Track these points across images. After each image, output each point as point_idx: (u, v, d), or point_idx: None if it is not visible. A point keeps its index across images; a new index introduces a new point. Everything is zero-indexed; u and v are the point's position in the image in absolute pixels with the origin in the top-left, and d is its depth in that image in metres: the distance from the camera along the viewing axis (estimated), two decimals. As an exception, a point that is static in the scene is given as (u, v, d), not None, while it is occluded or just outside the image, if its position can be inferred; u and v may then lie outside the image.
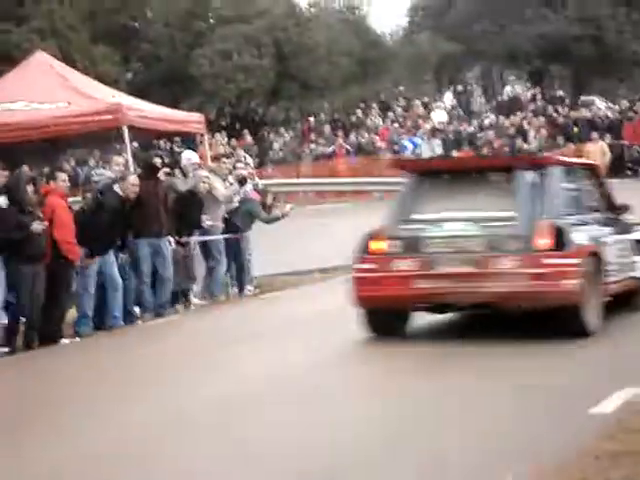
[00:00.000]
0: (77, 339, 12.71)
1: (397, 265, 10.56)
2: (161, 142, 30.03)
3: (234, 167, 16.99)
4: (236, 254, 15.94)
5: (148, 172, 14.28)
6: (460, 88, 40.53)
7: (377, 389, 8.82)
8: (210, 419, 7.82)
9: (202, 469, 6.44)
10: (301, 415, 7.76)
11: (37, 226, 11.93)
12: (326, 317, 12.51)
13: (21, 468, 6.76)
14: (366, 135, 35.36)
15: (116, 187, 13.51)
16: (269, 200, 17.26)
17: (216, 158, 16.71)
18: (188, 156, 15.72)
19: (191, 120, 18.06)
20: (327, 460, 6.44)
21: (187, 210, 14.72)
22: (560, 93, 38.69)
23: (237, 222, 15.86)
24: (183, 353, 11.25)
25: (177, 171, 15.28)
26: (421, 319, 11.33)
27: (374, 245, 10.79)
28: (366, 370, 9.85)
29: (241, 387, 8.89)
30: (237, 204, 15.95)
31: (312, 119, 38.66)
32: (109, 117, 15.03)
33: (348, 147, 34.99)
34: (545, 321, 10.29)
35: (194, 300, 15.11)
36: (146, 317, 13.98)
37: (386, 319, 10.88)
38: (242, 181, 16.22)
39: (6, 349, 11.86)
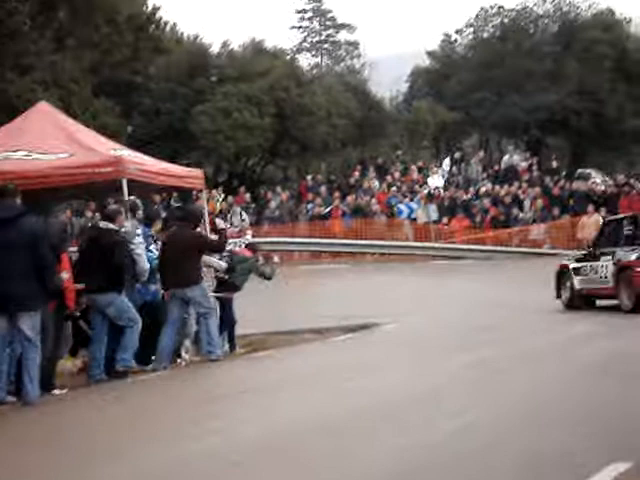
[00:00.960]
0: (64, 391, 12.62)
1: None
2: (156, 196, 30.02)
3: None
4: (229, 312, 15.90)
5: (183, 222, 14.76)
6: (458, 155, 40.72)
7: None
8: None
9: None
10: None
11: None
12: (316, 377, 12.48)
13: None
14: (364, 197, 35.54)
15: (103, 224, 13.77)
16: (260, 256, 17.21)
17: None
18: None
19: (191, 175, 18.03)
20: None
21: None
22: (557, 164, 38.91)
23: (235, 280, 15.82)
24: (168, 409, 11.17)
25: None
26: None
27: None
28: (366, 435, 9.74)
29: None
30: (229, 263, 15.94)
31: (309, 179, 38.82)
32: (109, 169, 14.99)
33: (344, 209, 35.13)
34: None
35: (185, 356, 15.04)
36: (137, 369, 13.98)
37: None
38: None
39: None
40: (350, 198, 35.71)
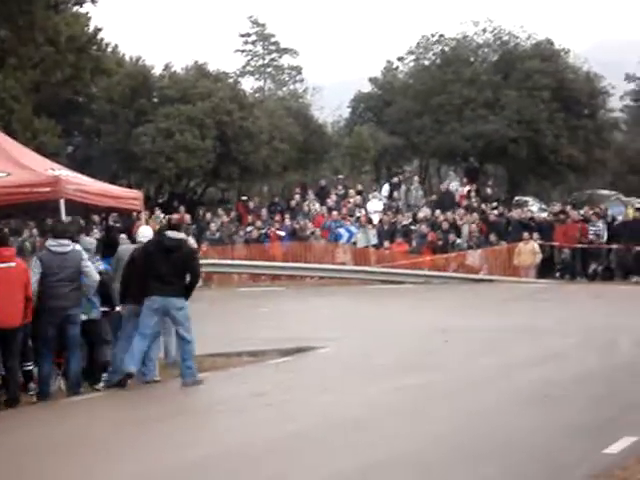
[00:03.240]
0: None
1: None
2: (95, 217, 29.92)
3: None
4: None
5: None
6: (397, 180, 41.02)
7: None
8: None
9: None
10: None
11: None
12: (237, 402, 12.63)
13: None
14: (303, 221, 35.67)
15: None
16: None
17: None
18: (146, 232, 15.65)
19: (129, 196, 18.05)
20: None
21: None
22: (494, 191, 39.38)
23: None
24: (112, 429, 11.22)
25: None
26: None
27: None
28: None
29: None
30: None
31: (250, 202, 38.84)
32: (47, 190, 14.99)
33: (281, 232, 35.18)
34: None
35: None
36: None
37: None
38: None
39: None
40: (289, 221, 35.83)
